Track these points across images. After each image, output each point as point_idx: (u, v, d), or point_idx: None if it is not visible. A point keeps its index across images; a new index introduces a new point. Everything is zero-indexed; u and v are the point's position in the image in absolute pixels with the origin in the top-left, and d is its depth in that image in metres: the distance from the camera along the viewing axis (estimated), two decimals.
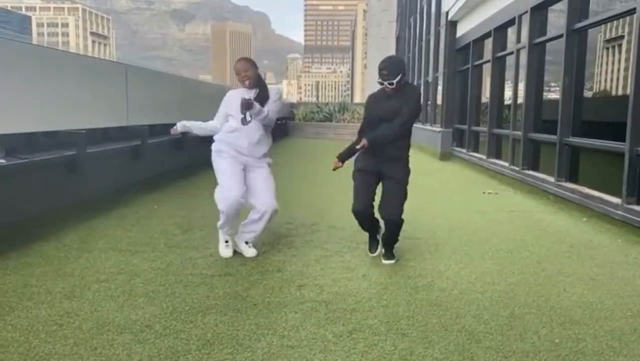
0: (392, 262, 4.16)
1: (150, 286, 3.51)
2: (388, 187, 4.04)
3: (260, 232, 4.26)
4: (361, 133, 4.06)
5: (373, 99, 4.08)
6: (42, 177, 5.28)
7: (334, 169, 4.05)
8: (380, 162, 4.00)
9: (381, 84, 3.91)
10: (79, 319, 2.96)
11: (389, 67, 3.87)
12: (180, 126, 4.41)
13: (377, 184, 4.10)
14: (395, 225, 4.04)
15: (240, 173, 4.16)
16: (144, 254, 4.25)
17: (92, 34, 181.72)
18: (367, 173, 4.05)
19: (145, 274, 3.76)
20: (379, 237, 4.29)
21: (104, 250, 4.32)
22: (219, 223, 4.24)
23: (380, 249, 4.26)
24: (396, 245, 4.27)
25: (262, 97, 4.12)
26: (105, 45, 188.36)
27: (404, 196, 4.07)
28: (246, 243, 4.28)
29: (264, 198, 4.18)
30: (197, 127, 4.41)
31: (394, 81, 3.83)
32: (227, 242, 4.31)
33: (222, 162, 4.16)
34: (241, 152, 4.16)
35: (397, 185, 4.02)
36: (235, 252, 4.28)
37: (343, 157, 4.03)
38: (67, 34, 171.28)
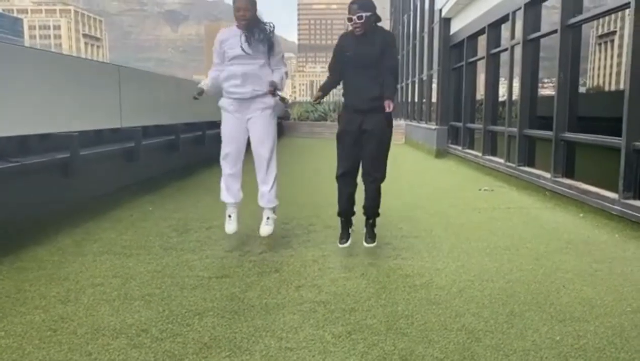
0: (373, 244, 4.17)
1: (146, 289, 3.47)
2: (371, 145, 4.04)
3: (268, 195, 4.44)
4: (331, 71, 4.19)
5: (344, 40, 4.09)
6: (35, 180, 5.22)
7: (315, 100, 4.25)
8: (364, 114, 4.00)
9: (350, 20, 3.91)
10: (74, 324, 2.92)
11: (359, 2, 3.87)
12: (199, 92, 4.40)
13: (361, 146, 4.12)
14: (377, 188, 4.10)
15: (238, 131, 4.35)
16: (139, 257, 4.20)
17: (85, 35, 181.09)
18: (352, 133, 4.06)
19: (140, 277, 3.71)
20: (351, 230, 4.32)
21: (99, 254, 4.27)
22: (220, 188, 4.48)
23: (350, 241, 4.27)
24: (375, 229, 4.26)
25: (256, 36, 4.15)
26: (98, 47, 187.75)
27: (386, 155, 4.12)
28: (267, 218, 4.47)
29: (256, 150, 4.39)
30: (209, 87, 4.42)
31: (364, 14, 3.83)
32: (229, 216, 4.47)
33: (223, 121, 4.39)
34: (239, 96, 4.26)
35: (380, 144, 4.05)
36: (235, 241, 4.41)
37: (322, 89, 4.23)
38: (60, 36, 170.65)
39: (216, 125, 12.49)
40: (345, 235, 4.29)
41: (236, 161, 4.45)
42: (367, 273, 3.83)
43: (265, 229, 4.47)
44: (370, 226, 4.26)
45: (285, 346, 2.69)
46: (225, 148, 4.44)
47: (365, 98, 3.99)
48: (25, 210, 5.07)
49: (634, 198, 5.28)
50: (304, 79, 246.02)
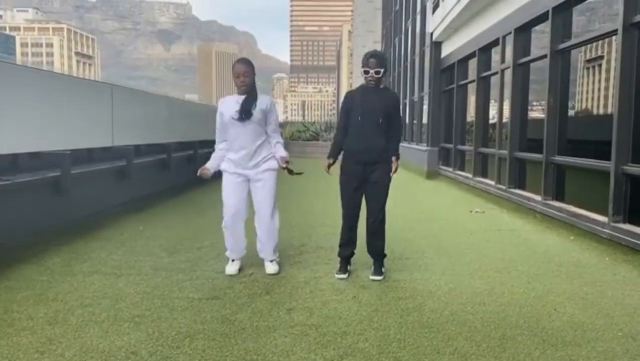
0: (380, 278, 4.18)
1: (136, 310, 3.43)
2: (376, 195, 4.25)
3: (268, 246, 4.39)
4: (339, 130, 4.32)
5: (351, 95, 4.29)
6: (25, 198, 5.18)
7: (329, 167, 4.32)
8: (366, 164, 4.18)
9: (366, 72, 4.11)
10: (62, 346, 2.87)
11: (377, 57, 4.12)
12: (210, 168, 4.38)
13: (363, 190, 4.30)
14: (380, 228, 4.26)
15: (240, 190, 4.33)
16: (129, 277, 4.16)
17: (77, 54, 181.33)
18: (354, 183, 4.23)
19: (130, 298, 3.67)
20: (349, 267, 4.40)
21: (88, 274, 4.22)
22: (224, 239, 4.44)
23: (347, 275, 4.29)
24: (383, 268, 4.31)
25: (251, 100, 4.20)
26: (90, 65, 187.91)
27: (386, 196, 4.29)
28: (271, 261, 4.42)
29: (259, 213, 4.39)
30: (215, 160, 4.42)
31: (381, 70, 4.07)
32: (232, 260, 4.42)
33: (224, 181, 4.35)
34: (241, 164, 4.28)
35: (384, 193, 4.26)
36: (225, 272, 4.27)
37: (333, 155, 4.32)
38: (52, 54, 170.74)
39: (207, 144, 12.47)
40: (343, 269, 4.31)
41: (239, 219, 4.39)
42: (359, 295, 3.81)
43: (272, 268, 4.38)
44: (378, 263, 4.32)
45: None
46: (228, 210, 4.35)
47: (371, 149, 4.15)
48: (15, 228, 5.02)
49: (623, 221, 5.32)
50: (296, 98, 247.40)
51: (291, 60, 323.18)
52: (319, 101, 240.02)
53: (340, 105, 4.53)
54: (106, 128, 6.79)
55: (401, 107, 4.40)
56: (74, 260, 4.63)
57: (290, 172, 4.33)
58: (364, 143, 4.15)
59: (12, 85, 4.97)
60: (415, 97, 16.98)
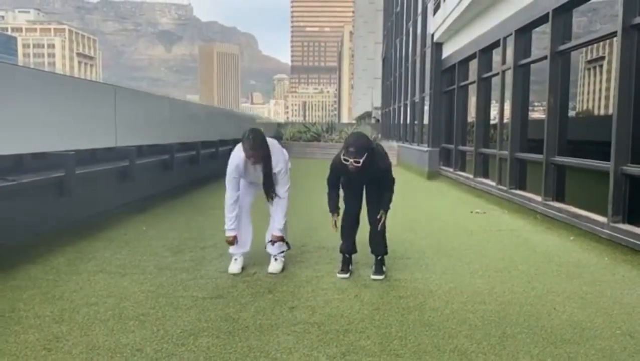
0: (381, 277, 4.23)
1: (141, 309, 3.48)
2: (373, 190, 4.33)
3: (277, 221, 4.45)
4: (330, 186, 4.36)
5: (337, 167, 4.20)
6: (30, 199, 5.23)
7: (335, 223, 4.37)
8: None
9: (346, 161, 3.95)
10: (69, 344, 2.92)
11: (356, 148, 3.94)
12: (231, 232, 4.43)
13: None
14: (380, 227, 4.28)
15: (250, 193, 4.53)
16: (134, 276, 4.21)
17: (79, 54, 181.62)
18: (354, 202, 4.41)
19: (135, 297, 3.72)
20: (351, 266, 4.46)
21: (93, 273, 4.27)
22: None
23: (348, 273, 4.34)
24: (384, 267, 4.37)
25: (269, 170, 4.26)
26: (91, 65, 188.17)
27: (391, 194, 4.31)
28: (275, 259, 4.46)
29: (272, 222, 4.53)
30: (231, 219, 4.43)
31: (360, 160, 3.93)
32: (235, 259, 4.46)
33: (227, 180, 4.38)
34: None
35: (385, 189, 4.30)
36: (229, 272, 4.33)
37: (333, 209, 4.35)
38: (54, 55, 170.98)
39: (209, 145, 12.48)
40: (345, 268, 4.37)
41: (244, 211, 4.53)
42: (360, 294, 3.86)
43: (277, 267, 4.42)
44: (379, 262, 4.37)
45: None
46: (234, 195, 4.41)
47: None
48: (20, 228, 5.07)
49: (623, 222, 5.36)
50: (297, 99, 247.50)
51: (292, 61, 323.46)
52: (320, 102, 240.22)
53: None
54: (109, 129, 6.84)
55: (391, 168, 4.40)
56: (79, 259, 4.68)
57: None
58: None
59: (14, 87, 5.02)
60: (417, 98, 17.02)
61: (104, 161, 7.09)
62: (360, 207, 4.41)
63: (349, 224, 4.39)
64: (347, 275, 4.30)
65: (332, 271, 4.41)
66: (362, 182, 4.29)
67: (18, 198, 5.07)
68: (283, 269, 4.44)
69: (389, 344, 3.00)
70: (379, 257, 4.37)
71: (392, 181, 4.27)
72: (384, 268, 4.36)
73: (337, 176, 4.31)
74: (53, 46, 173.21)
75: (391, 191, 4.28)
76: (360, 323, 3.30)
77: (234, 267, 4.41)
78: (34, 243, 5.03)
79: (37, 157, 5.61)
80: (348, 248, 4.41)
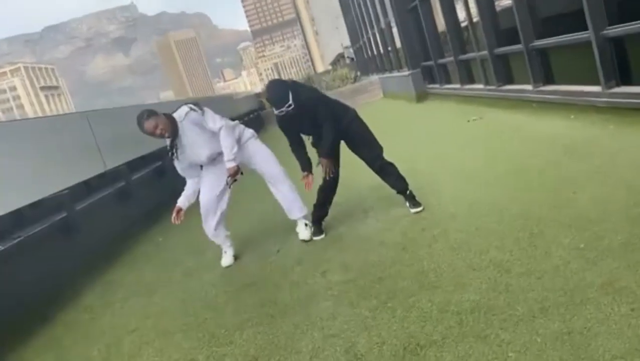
0: (420, 208, 4.20)
1: (181, 320, 3.50)
2: (355, 140, 4.26)
3: (289, 200, 4.43)
4: (293, 150, 4.31)
5: (286, 121, 4.14)
6: (41, 247, 5.22)
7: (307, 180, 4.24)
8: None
9: (282, 112, 3.99)
10: None
11: (277, 94, 3.99)
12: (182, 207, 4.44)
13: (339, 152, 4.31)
14: (387, 164, 4.28)
15: (215, 186, 4.38)
16: (164, 290, 4.23)
17: (42, 88, 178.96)
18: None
19: (171, 310, 3.75)
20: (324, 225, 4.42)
21: (125, 299, 4.29)
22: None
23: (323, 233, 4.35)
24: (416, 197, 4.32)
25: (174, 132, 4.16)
26: (58, 95, 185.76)
27: (371, 133, 4.28)
28: (305, 225, 4.41)
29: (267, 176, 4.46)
30: (186, 198, 4.51)
31: (291, 102, 3.92)
32: (225, 252, 4.44)
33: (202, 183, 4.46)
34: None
35: (363, 134, 4.24)
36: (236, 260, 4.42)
37: (305, 166, 4.25)
38: (18, 97, 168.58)
39: None
40: (319, 230, 4.37)
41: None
42: (384, 239, 3.85)
43: (306, 234, 4.39)
44: (410, 196, 4.28)
45: (328, 333, 2.72)
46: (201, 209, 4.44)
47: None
48: (40, 278, 5.09)
49: (617, 85, 5.28)
50: (267, 62, 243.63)
51: (250, 26, 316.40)
52: (291, 58, 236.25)
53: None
54: (94, 155, 6.76)
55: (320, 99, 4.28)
56: (107, 291, 4.70)
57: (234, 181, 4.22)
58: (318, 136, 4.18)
59: None
60: (382, 24, 16.64)
61: (99, 188, 7.04)
62: (339, 165, 4.30)
63: (330, 185, 4.30)
64: (323, 235, 4.32)
65: (352, 225, 4.37)
66: (319, 121, 4.10)
67: (30, 250, 5.06)
68: (312, 238, 4.38)
69: (425, 278, 3.01)
70: (407, 192, 4.29)
71: (324, 109, 4.12)
72: (417, 199, 4.28)
73: (293, 133, 4.24)
74: (15, 88, 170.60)
75: (325, 119, 4.09)
76: (392, 267, 3.30)
77: (225, 260, 4.38)
78: (60, 287, 5.03)
79: (34, 207, 5.55)
80: (325, 214, 4.39)
